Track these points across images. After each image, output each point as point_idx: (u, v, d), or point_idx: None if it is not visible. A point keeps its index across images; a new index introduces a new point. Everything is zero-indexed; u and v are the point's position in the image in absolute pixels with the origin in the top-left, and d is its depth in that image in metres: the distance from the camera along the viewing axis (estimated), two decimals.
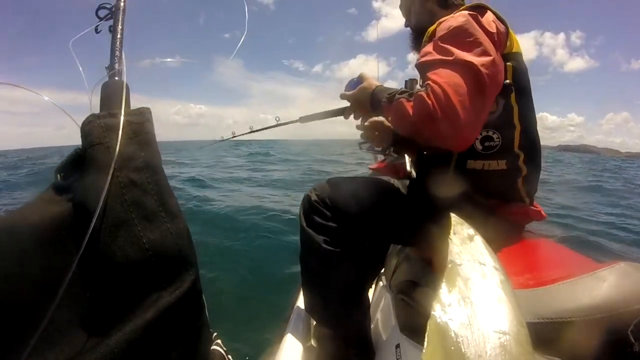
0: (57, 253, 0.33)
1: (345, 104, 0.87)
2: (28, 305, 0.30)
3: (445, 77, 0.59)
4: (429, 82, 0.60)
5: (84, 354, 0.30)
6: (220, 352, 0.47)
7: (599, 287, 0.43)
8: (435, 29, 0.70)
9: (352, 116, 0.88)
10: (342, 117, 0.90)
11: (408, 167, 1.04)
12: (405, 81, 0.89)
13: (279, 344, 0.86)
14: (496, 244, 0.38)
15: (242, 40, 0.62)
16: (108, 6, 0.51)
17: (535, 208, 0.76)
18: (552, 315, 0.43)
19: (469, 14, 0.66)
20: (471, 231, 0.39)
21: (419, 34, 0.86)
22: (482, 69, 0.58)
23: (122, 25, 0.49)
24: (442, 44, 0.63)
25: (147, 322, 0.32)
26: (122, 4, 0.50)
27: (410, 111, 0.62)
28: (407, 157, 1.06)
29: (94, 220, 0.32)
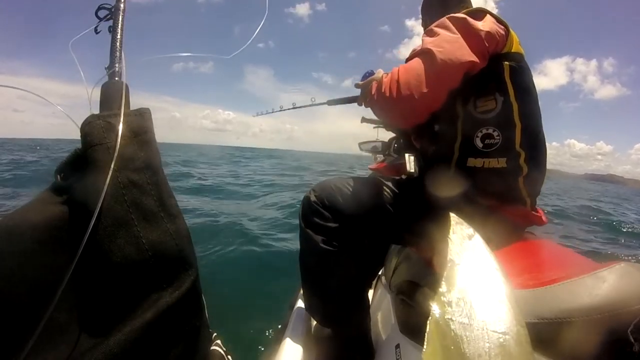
0: (56, 253, 0.33)
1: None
2: (28, 306, 0.30)
3: (407, 64, 0.70)
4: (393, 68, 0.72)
5: (83, 355, 0.30)
6: (220, 352, 0.47)
7: (598, 287, 0.43)
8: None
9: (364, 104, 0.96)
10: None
11: (408, 167, 1.04)
12: None
13: (279, 344, 0.86)
14: (495, 244, 0.38)
15: (262, 22, 0.64)
16: (108, 6, 0.51)
17: (536, 213, 0.76)
18: (552, 316, 0.43)
19: (464, 17, 0.69)
20: (470, 231, 0.39)
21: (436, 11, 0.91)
22: (437, 53, 0.66)
23: (122, 25, 0.49)
24: (423, 37, 0.73)
25: (146, 323, 0.32)
26: (121, 4, 0.50)
27: (373, 90, 0.76)
28: (407, 156, 1.06)
29: (92, 221, 0.32)
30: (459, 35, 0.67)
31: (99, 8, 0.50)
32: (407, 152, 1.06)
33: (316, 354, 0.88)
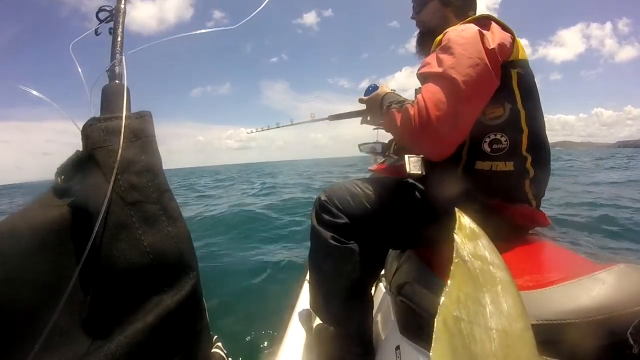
0: (58, 256, 0.33)
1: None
2: (30, 309, 0.30)
3: (431, 93, 0.66)
4: (418, 96, 0.68)
5: (85, 357, 0.30)
6: (221, 354, 0.47)
7: (598, 288, 0.43)
8: (441, 39, 0.73)
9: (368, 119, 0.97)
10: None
11: (408, 168, 1.04)
12: (415, 90, 0.92)
13: (280, 344, 0.86)
14: (496, 244, 0.38)
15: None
16: (108, 9, 0.51)
17: (539, 212, 0.76)
18: (552, 317, 0.43)
19: (477, 30, 0.67)
20: (476, 228, 0.38)
21: (426, 35, 0.90)
22: (463, 84, 0.63)
23: (123, 27, 0.49)
24: (440, 55, 0.68)
25: (148, 326, 0.32)
26: (122, 6, 0.50)
27: (398, 122, 0.72)
28: (407, 157, 1.06)
29: (97, 225, 0.32)
30: (480, 59, 0.64)
31: (100, 10, 0.50)
32: (407, 154, 1.06)
33: (317, 354, 0.88)
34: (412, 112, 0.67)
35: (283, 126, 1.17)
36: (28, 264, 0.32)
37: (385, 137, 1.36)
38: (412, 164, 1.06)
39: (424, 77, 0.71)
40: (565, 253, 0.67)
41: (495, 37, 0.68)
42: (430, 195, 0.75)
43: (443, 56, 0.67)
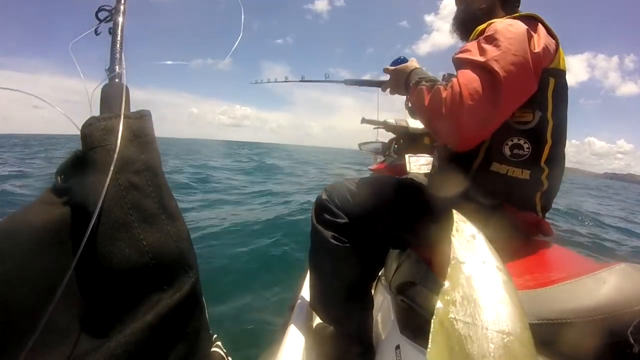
0: (57, 256, 0.33)
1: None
2: (28, 308, 0.30)
3: (467, 80, 0.62)
4: (453, 79, 0.64)
5: (84, 356, 0.30)
6: (221, 354, 0.47)
7: (599, 288, 0.43)
8: (485, 28, 0.70)
9: (388, 90, 0.92)
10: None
11: (408, 168, 1.04)
12: (443, 75, 0.89)
13: (280, 343, 0.86)
14: (497, 244, 0.38)
15: (237, 42, 0.61)
16: (108, 8, 0.51)
17: (545, 221, 0.75)
18: (552, 317, 0.43)
19: (526, 29, 0.65)
20: (474, 230, 0.39)
21: (467, 21, 0.85)
22: (504, 80, 0.60)
23: (122, 27, 0.49)
24: (483, 44, 0.65)
25: (147, 325, 0.32)
26: (122, 6, 0.50)
27: (426, 101, 0.67)
28: (407, 157, 1.06)
29: (91, 223, 0.32)
30: (525, 59, 0.62)
31: (99, 9, 0.50)
32: (407, 153, 1.06)
33: (317, 353, 0.88)
34: (444, 95, 0.63)
35: (292, 81, 1.10)
36: (27, 264, 0.32)
37: (386, 136, 1.36)
38: (413, 163, 1.05)
39: (461, 63, 0.67)
40: (566, 252, 0.67)
41: (541, 40, 0.66)
42: (432, 194, 0.74)
43: (487, 46, 0.63)
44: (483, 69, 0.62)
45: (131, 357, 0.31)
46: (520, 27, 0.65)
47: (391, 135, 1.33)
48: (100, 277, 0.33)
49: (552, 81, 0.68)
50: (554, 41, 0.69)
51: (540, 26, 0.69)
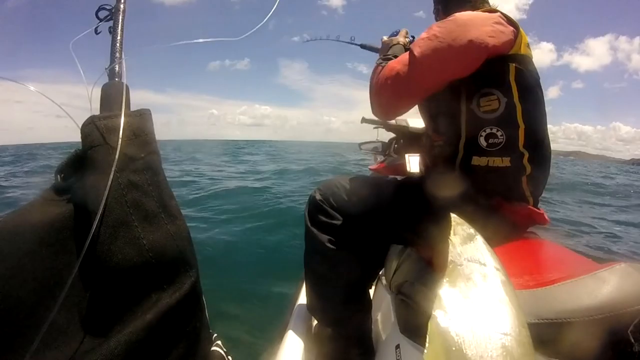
0: (57, 254, 0.33)
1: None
2: (29, 307, 0.30)
3: (399, 59, 0.76)
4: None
5: (84, 355, 0.30)
6: (221, 352, 0.47)
7: (599, 287, 0.43)
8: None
9: None
10: None
11: (409, 167, 1.04)
12: None
13: (280, 343, 0.86)
14: (496, 244, 0.38)
15: (265, 19, 0.61)
16: (108, 7, 0.51)
17: (538, 210, 0.76)
18: (552, 316, 0.43)
19: (474, 16, 0.70)
20: (471, 231, 0.39)
21: (442, 8, 0.91)
22: (417, 61, 0.70)
23: (122, 26, 0.49)
24: (428, 31, 0.73)
25: (147, 324, 0.32)
26: (122, 5, 0.50)
27: (376, 75, 0.78)
28: (407, 157, 1.06)
29: (95, 223, 0.32)
30: (450, 45, 0.68)
31: (99, 9, 0.51)
32: (407, 153, 1.06)
33: (316, 354, 0.88)
34: (380, 68, 0.77)
35: (342, 41, 1.25)
36: (28, 263, 0.32)
37: (386, 136, 1.36)
38: (413, 163, 1.05)
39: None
40: (566, 252, 0.67)
41: (494, 30, 0.69)
42: (429, 194, 0.74)
43: (423, 34, 0.74)
44: (410, 51, 0.73)
45: (131, 356, 0.31)
46: (470, 14, 0.72)
47: (391, 135, 1.32)
48: (101, 276, 0.33)
49: (512, 67, 0.70)
50: (511, 28, 0.71)
51: (497, 16, 0.72)
